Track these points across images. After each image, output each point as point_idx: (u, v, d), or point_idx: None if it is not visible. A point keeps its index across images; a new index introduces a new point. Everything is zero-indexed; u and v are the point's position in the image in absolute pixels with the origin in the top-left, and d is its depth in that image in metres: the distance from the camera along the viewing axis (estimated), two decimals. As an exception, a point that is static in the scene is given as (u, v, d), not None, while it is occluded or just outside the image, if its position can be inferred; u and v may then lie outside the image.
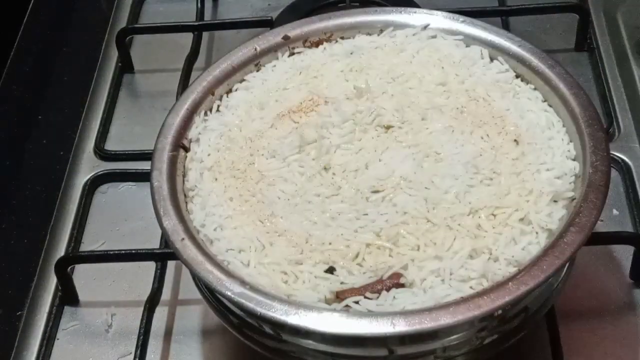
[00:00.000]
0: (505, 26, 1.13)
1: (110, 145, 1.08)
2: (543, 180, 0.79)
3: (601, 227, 0.93)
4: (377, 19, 0.94)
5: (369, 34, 0.94)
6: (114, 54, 1.18)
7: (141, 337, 0.86)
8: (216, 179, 0.83)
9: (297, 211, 0.79)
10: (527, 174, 0.80)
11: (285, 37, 0.94)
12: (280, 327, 0.74)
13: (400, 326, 0.70)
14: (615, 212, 0.96)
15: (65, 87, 1.16)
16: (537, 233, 0.76)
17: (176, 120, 0.87)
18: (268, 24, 1.15)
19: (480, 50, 0.91)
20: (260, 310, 0.72)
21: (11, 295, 0.94)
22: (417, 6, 1.06)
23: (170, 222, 0.78)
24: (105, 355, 0.89)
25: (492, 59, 0.90)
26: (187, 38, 1.17)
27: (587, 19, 1.13)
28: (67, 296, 0.93)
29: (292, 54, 0.94)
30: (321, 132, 0.84)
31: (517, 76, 0.89)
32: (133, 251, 0.92)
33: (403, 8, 0.95)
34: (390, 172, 0.81)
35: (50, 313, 0.92)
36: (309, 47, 0.94)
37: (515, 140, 0.83)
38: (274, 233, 0.78)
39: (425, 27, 0.93)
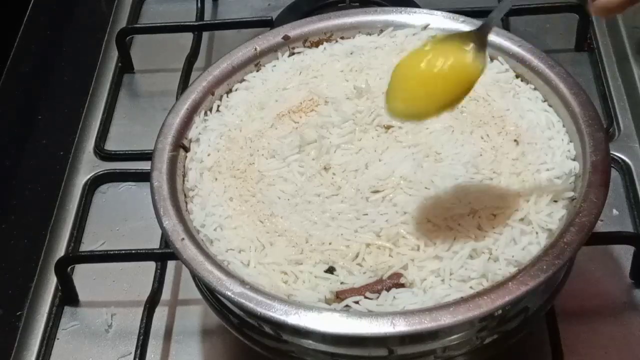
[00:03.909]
0: (505, 26, 1.13)
1: (110, 145, 1.07)
2: (543, 180, 0.79)
3: (601, 227, 0.93)
4: (377, 19, 0.94)
5: (369, 34, 0.94)
6: (114, 54, 1.18)
7: (141, 337, 0.86)
8: (216, 179, 0.83)
9: (297, 211, 0.79)
10: (527, 174, 0.80)
11: (285, 37, 0.94)
12: (280, 327, 0.74)
13: (400, 326, 0.70)
14: (615, 212, 0.96)
15: (65, 87, 1.16)
16: (537, 233, 0.76)
17: (176, 120, 0.87)
18: (268, 24, 1.15)
19: (480, 50, 0.91)
20: (260, 310, 0.72)
21: (11, 295, 0.94)
22: (417, 6, 1.05)
23: (170, 222, 0.78)
24: (105, 355, 0.89)
25: (492, 59, 0.90)
26: (187, 38, 1.17)
27: (587, 19, 1.13)
28: (67, 296, 0.93)
29: (292, 54, 0.94)
30: (321, 132, 0.84)
31: (517, 76, 0.89)
32: (133, 251, 0.92)
33: (403, 8, 0.95)
34: (390, 172, 0.81)
35: (50, 313, 0.92)
36: (309, 47, 0.94)
37: (515, 140, 0.83)
38: (274, 233, 0.78)
39: (425, 27, 0.93)
